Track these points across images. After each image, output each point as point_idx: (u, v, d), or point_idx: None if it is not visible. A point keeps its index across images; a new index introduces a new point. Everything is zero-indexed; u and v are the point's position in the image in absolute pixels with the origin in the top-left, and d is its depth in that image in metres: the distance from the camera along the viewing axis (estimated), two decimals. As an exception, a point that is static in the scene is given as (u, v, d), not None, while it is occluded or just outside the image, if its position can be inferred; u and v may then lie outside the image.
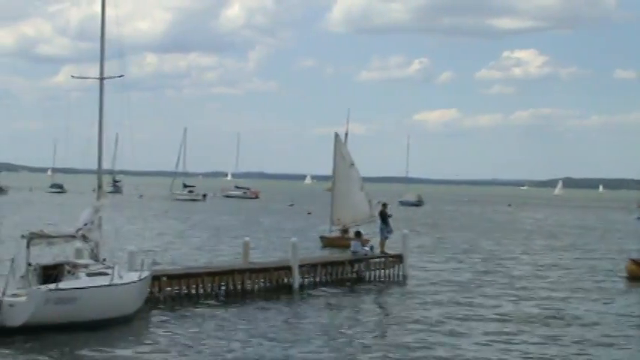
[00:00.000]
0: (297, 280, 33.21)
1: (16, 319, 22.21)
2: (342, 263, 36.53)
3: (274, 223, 77.87)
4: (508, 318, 27.82)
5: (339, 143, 52.51)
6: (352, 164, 52.64)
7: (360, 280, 36.42)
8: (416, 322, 26.68)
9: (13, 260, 24.07)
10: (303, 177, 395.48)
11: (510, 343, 23.80)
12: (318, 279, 34.78)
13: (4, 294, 22.51)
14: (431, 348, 22.70)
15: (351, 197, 51.34)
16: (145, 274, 26.45)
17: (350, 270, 36.47)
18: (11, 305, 22.34)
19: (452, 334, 24.82)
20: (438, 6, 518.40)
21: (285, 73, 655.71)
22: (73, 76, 29.15)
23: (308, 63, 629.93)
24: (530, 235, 72.38)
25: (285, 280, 33.15)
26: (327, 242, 51.10)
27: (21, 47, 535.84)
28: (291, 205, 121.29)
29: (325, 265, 35.87)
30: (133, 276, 25.85)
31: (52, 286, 22.99)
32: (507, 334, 25.08)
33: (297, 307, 29.33)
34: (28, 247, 24.22)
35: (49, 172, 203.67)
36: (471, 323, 26.61)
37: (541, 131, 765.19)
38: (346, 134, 70.22)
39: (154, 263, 29.23)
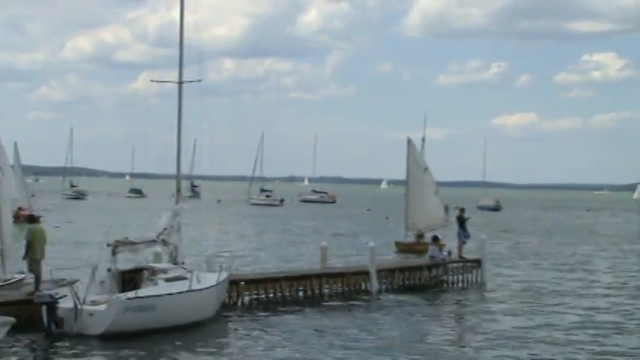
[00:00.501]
0: (374, 285, 33.06)
1: (96, 327, 22.36)
2: (419, 268, 36.28)
3: (351, 228, 77.70)
4: (591, 326, 27.27)
5: (413, 148, 52.21)
6: (426, 169, 52.30)
7: (437, 285, 36.13)
8: (493, 330, 26.27)
9: (94, 267, 24.27)
10: (380, 181, 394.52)
11: (597, 353, 23.29)
12: (395, 284, 34.59)
13: (84, 302, 22.69)
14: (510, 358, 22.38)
15: (425, 202, 50.99)
16: (223, 278, 26.51)
17: (428, 275, 36.21)
18: (91, 314, 22.50)
19: (530, 343, 24.43)
20: (516, 9, 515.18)
21: (361, 78, 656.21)
22: (152, 80, 29.41)
23: (385, 67, 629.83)
24: (612, 240, 71.19)
25: (363, 285, 33.03)
26: (402, 247, 50.79)
27: (100, 53, 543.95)
28: (369, 210, 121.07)
29: (403, 270, 35.66)
30: (211, 280, 25.90)
31: (132, 294, 23.10)
32: (593, 342, 24.60)
33: (374, 313, 29.11)
34: (113, 254, 24.45)
35: (127, 177, 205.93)
36: (553, 333, 26.12)
37: (621, 135, 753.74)
38: (423, 139, 70.05)
39: (231, 267, 29.25)
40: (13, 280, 25.76)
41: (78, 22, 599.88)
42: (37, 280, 24.64)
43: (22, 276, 26.04)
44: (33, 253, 24.69)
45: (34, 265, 24.80)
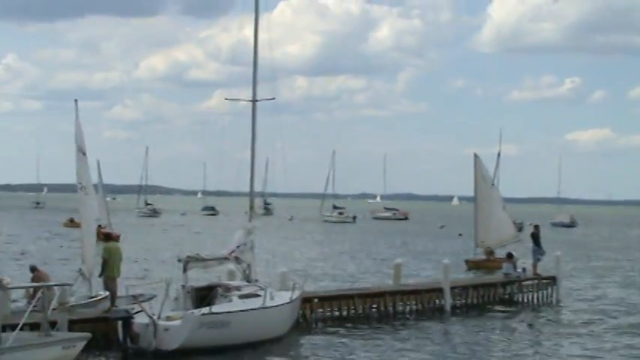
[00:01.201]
0: (448, 302, 32.84)
1: (171, 342, 22.47)
2: (493, 285, 35.96)
3: (425, 245, 77.38)
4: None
5: (480, 164, 51.71)
6: (493, 184, 51.92)
7: (512, 302, 35.77)
8: (566, 351, 25.92)
9: (168, 283, 24.45)
10: (451, 198, 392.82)
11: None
12: (469, 301, 34.33)
13: (159, 317, 22.86)
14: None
15: (493, 218, 50.51)
16: (296, 295, 26.53)
17: (502, 292, 35.87)
18: (166, 329, 22.64)
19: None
20: (590, 24, 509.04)
21: (434, 94, 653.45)
22: (226, 99, 29.63)
23: (457, 83, 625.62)
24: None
25: (437, 302, 32.83)
26: (472, 265, 50.32)
27: (173, 72, 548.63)
28: (442, 227, 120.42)
29: (477, 287, 35.37)
30: (285, 297, 25.92)
31: (206, 310, 23.22)
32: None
33: (449, 330, 28.96)
34: (184, 270, 24.60)
35: (199, 195, 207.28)
36: (632, 352, 25.65)
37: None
38: (498, 154, 69.42)
39: (304, 284, 29.23)
40: (99, 297, 25.99)
41: (152, 41, 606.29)
42: (113, 297, 24.89)
43: (107, 293, 26.32)
44: (109, 270, 24.94)
45: (109, 282, 25.06)
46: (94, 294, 26.08)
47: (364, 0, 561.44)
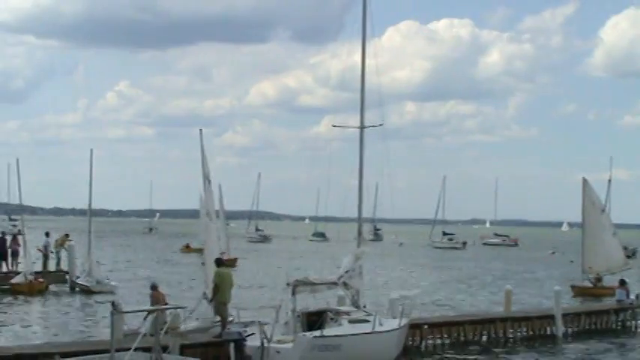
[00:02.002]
0: (560, 329, 32.42)
1: (283, 365, 22.64)
2: (606, 312, 35.39)
3: (535, 271, 76.41)
4: None
5: (589, 189, 50.71)
6: (603, 210, 51.01)
7: (625, 330, 35.13)
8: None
9: (279, 307, 24.64)
10: (561, 224, 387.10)
11: None
12: (581, 328, 33.83)
13: (270, 340, 23.04)
14: None
15: (603, 245, 49.48)
16: (405, 321, 26.48)
17: (615, 320, 35.27)
18: (278, 352, 22.80)
19: None
20: None
21: (544, 119, 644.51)
22: (334, 125, 29.78)
23: (568, 108, 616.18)
24: None
25: (548, 329, 32.44)
26: (578, 291, 49.47)
27: (283, 98, 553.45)
28: (553, 253, 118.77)
29: (589, 314, 34.85)
30: (393, 323, 25.91)
31: (317, 333, 23.36)
32: None
33: (561, 357, 28.58)
34: (293, 294, 24.77)
35: (307, 221, 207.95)
36: None
37: None
38: (609, 180, 68.27)
39: (413, 311, 29.14)
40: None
41: (262, 68, 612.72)
42: (224, 322, 25.15)
43: (231, 318, 26.63)
44: (221, 295, 25.19)
45: (220, 307, 25.31)
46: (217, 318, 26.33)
47: (474, 25, 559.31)
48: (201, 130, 27.25)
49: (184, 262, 72.71)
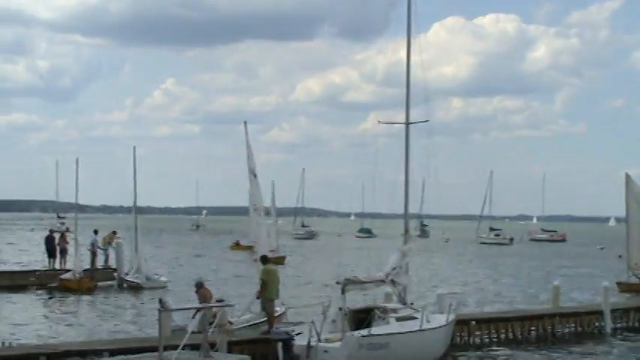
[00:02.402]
0: (608, 325, 32.16)
1: (331, 364, 22.67)
2: (656, 308, 35.04)
3: (582, 267, 75.88)
4: None
5: (632, 184, 49.99)
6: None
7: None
8: None
9: (327, 305, 24.65)
10: (609, 219, 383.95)
11: None
12: (630, 324, 33.54)
13: (318, 339, 23.06)
14: None
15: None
16: (452, 317, 26.40)
17: (665, 316, 34.91)
18: (325, 351, 22.79)
19: None
20: None
21: (592, 114, 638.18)
22: (379, 122, 29.69)
23: (616, 103, 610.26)
24: None
25: (596, 325, 32.19)
26: (624, 288, 48.85)
27: (329, 95, 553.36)
28: (602, 249, 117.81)
29: (639, 310, 34.52)
30: (441, 320, 25.85)
31: (365, 332, 23.34)
32: None
33: (610, 353, 28.35)
34: (343, 292, 24.76)
35: (352, 217, 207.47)
36: None
37: None
38: (656, 175, 67.34)
39: (460, 307, 29.02)
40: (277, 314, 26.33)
41: (308, 64, 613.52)
42: (271, 319, 25.21)
43: (283, 310, 26.67)
44: (268, 292, 25.24)
45: (267, 304, 25.38)
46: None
47: (520, 20, 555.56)
48: (245, 122, 27.23)
49: (235, 259, 72.84)
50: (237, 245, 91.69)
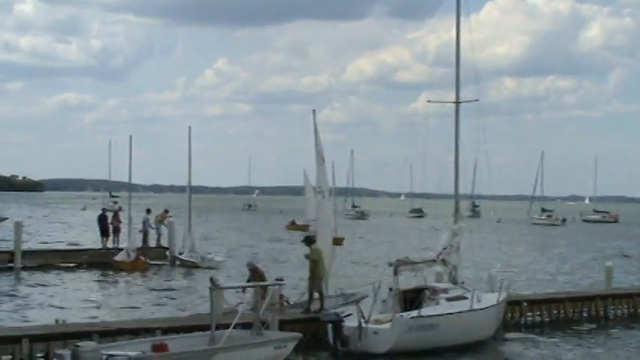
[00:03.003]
0: (662, 306, 31.87)
1: (381, 346, 22.66)
2: None
3: (635, 248, 75.19)
4: None
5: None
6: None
7: None
8: None
9: (376, 286, 24.68)
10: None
11: None
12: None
13: (367, 321, 23.11)
14: None
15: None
16: (503, 297, 26.30)
17: None
18: (375, 332, 22.85)
19: None
20: None
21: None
22: (429, 101, 29.61)
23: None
24: None
25: (651, 307, 31.92)
26: None
27: (380, 75, 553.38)
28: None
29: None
30: (492, 299, 25.76)
31: (415, 313, 23.32)
32: None
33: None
34: (395, 274, 24.77)
35: (402, 197, 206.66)
36: None
37: None
38: None
39: (511, 287, 28.87)
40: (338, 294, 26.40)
41: (359, 44, 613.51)
42: (322, 297, 25.28)
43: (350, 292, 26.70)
44: (320, 271, 25.28)
45: (319, 282, 25.44)
46: (332, 293, 26.39)
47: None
48: (314, 110, 27.15)
49: (290, 238, 72.92)
50: (292, 225, 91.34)
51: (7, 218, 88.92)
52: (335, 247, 28.35)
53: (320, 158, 26.62)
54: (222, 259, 46.89)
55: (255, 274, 25.14)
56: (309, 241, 25.85)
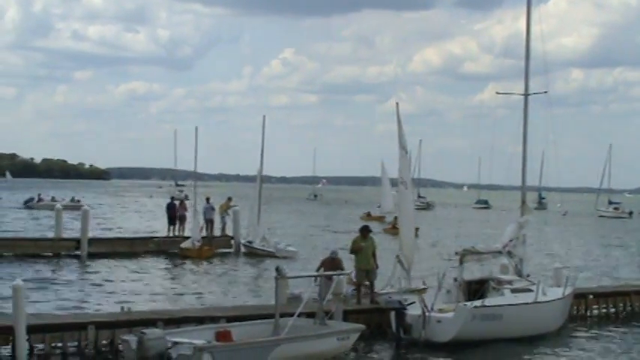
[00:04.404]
0: None
1: (444, 334, 22.63)
2: None
3: None
4: None
5: None
6: None
7: None
8: None
9: (442, 276, 24.61)
10: None
11: None
12: None
13: (432, 309, 23.06)
14: None
15: None
16: (569, 291, 26.08)
17: None
18: (439, 321, 22.81)
19: None
20: None
21: None
22: (497, 93, 29.45)
23: None
24: None
25: None
26: None
27: (447, 65, 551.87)
28: None
29: None
30: (557, 293, 25.58)
31: (478, 302, 23.24)
32: None
33: None
34: (460, 263, 24.70)
35: (465, 188, 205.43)
36: None
37: None
38: None
39: (577, 280, 28.56)
40: (418, 289, 26.37)
41: (426, 34, 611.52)
42: (372, 286, 25.28)
43: (425, 286, 26.67)
44: (365, 263, 25.24)
45: (369, 274, 25.42)
46: (413, 286, 26.30)
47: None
48: (397, 103, 26.95)
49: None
50: (368, 216, 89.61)
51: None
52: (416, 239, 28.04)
53: (403, 149, 26.46)
54: (296, 249, 46.77)
55: (333, 264, 24.87)
56: (367, 231, 25.79)
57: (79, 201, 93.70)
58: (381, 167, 78.66)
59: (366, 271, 25.18)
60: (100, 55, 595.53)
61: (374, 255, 25.46)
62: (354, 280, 25.46)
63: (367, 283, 25.31)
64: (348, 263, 26.00)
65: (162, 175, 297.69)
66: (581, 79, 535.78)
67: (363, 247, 25.20)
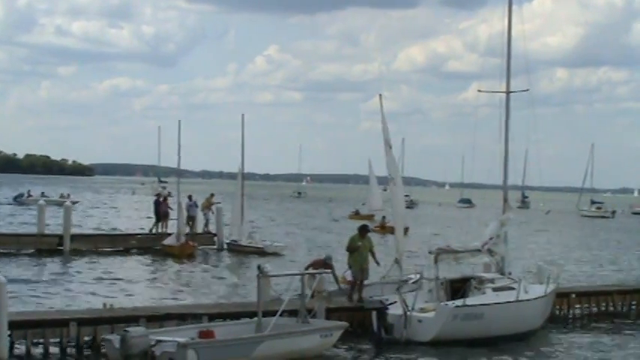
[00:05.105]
0: None
1: (425, 334, 22.66)
2: None
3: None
4: None
5: None
6: None
7: None
8: None
9: (421, 275, 24.64)
10: None
11: None
12: None
13: (412, 309, 23.08)
14: None
15: None
16: (551, 289, 26.12)
17: None
18: (420, 321, 22.83)
19: None
20: None
21: None
22: (479, 91, 29.47)
23: None
24: None
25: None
26: None
27: (432, 64, 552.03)
28: None
29: None
30: (539, 291, 25.59)
31: (460, 302, 23.27)
32: None
33: None
34: (435, 262, 24.66)
35: (447, 187, 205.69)
36: None
37: None
38: None
39: (559, 279, 28.56)
40: (411, 281, 26.37)
41: (411, 33, 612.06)
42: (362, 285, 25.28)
43: (417, 277, 26.67)
44: (359, 261, 25.22)
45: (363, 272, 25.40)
46: (404, 278, 26.18)
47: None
48: (381, 95, 26.77)
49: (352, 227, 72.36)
50: (356, 215, 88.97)
51: (77, 202, 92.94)
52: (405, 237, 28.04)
53: (387, 145, 26.35)
54: (283, 244, 46.78)
55: (324, 267, 24.80)
56: (366, 230, 25.75)
57: (69, 196, 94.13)
58: (369, 165, 78.51)
59: (361, 270, 25.19)
60: (84, 50, 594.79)
61: (373, 254, 25.44)
62: (348, 278, 25.43)
63: (358, 282, 25.32)
64: (343, 259, 26.02)
65: (145, 171, 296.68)
66: (565, 78, 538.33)
67: (360, 246, 25.18)
